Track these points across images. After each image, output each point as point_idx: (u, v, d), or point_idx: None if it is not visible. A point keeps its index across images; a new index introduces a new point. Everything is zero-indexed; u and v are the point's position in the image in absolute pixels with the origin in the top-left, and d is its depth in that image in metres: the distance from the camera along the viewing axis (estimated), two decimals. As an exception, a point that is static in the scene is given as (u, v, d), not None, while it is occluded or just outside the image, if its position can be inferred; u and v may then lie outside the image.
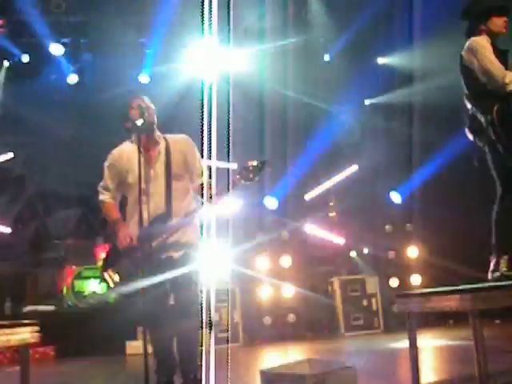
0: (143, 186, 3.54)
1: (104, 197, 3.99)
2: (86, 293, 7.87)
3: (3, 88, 9.54)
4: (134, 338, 7.23)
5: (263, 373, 3.24)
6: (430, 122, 8.50)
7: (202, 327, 3.77)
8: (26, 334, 3.27)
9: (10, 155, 9.30)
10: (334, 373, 3.01)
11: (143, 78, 9.57)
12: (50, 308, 7.69)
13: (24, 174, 9.48)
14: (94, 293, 7.90)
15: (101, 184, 4.01)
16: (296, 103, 8.83)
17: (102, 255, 8.16)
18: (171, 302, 3.86)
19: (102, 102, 8.99)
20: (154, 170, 3.82)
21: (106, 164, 3.99)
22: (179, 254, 3.78)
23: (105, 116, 8.97)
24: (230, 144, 3.00)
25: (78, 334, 7.29)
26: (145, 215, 3.69)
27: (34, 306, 7.81)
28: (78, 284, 7.88)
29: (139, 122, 3.54)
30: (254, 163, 3.70)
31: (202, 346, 3.79)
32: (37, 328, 3.43)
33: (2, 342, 2.86)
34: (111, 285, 3.80)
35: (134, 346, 7.12)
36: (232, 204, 8.34)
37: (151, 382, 3.02)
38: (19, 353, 6.87)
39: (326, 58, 9.65)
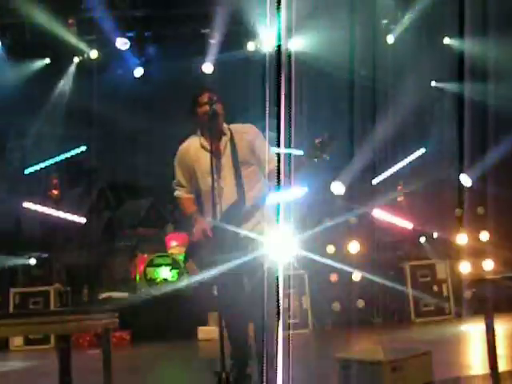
0: (213, 177, 3.57)
1: (179, 193, 4.06)
2: (158, 280, 8.08)
3: (74, 83, 9.86)
4: (205, 323, 7.37)
5: (338, 359, 3.23)
6: (502, 101, 8.17)
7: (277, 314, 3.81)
8: (107, 320, 3.39)
9: (83, 148, 9.61)
10: (411, 359, 2.97)
11: (207, 68, 9.64)
12: (124, 295, 7.95)
13: (96, 167, 9.77)
14: (166, 280, 8.11)
15: (174, 181, 4.08)
16: (362, 86, 8.69)
17: (173, 243, 8.48)
18: (247, 288, 3.89)
19: (168, 94, 9.16)
20: (222, 162, 3.85)
21: (176, 162, 4.06)
22: (254, 240, 3.80)
23: (171, 107, 9.15)
24: (292, 129, 2.95)
25: (151, 319, 7.53)
26: (218, 206, 3.73)
27: (109, 292, 8.10)
28: (150, 271, 8.09)
29: (208, 116, 3.55)
30: (321, 139, 3.64)
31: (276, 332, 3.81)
32: (116, 314, 3.57)
33: (86, 327, 2.98)
34: (193, 275, 3.85)
35: (206, 332, 7.28)
36: (299, 190, 8.33)
37: (227, 367, 3.06)
38: (98, 337, 7.15)
39: (390, 39, 9.43)
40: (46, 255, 8.53)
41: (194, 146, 3.96)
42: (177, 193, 4.07)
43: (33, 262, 8.35)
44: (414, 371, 2.98)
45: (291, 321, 7.23)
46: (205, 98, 3.70)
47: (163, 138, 8.59)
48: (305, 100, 8.35)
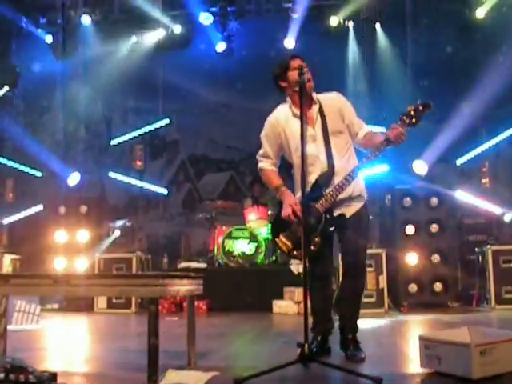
0: (304, 148, 3.51)
1: (263, 164, 3.97)
2: (236, 252, 8.18)
3: (158, 58, 10.04)
4: (281, 297, 7.40)
5: (423, 338, 3.14)
6: None
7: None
8: (193, 286, 3.45)
9: (166, 121, 9.80)
10: (501, 344, 2.83)
11: (289, 43, 9.56)
12: (202, 265, 8.11)
13: (178, 140, 9.95)
14: (243, 253, 8.20)
15: (260, 152, 4.00)
16: (449, 63, 8.35)
17: (252, 217, 8.54)
18: (334, 263, 3.86)
19: (250, 69, 9.15)
20: (312, 131, 3.77)
21: (263, 132, 3.97)
22: (351, 211, 3.74)
23: (253, 82, 9.15)
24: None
25: (228, 291, 7.67)
26: (309, 177, 3.69)
27: (187, 262, 8.29)
28: (228, 244, 8.21)
29: (299, 82, 3.47)
30: (414, 106, 3.49)
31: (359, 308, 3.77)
32: (201, 282, 3.62)
33: (173, 292, 3.03)
34: (285, 250, 3.75)
35: (281, 306, 7.31)
36: (378, 166, 8.16)
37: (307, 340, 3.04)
38: (176, 304, 7.30)
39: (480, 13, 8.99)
40: (129, 223, 8.78)
41: (284, 115, 3.88)
42: (261, 165, 3.98)
43: (117, 229, 8.62)
44: (504, 356, 2.85)
45: (367, 300, 7.14)
46: (296, 64, 3.60)
47: (244, 112, 8.62)
48: (388, 78, 8.14)
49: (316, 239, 3.61)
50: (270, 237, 8.34)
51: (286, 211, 3.71)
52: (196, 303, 7.40)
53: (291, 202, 3.71)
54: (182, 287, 3.19)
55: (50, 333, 5.75)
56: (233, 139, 9.42)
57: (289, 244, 3.72)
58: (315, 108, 3.80)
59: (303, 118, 3.37)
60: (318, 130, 3.75)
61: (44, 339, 5.29)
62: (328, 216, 3.64)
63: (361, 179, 3.82)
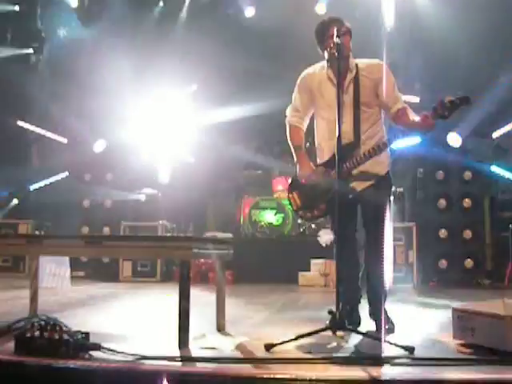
0: (332, 113, 3.51)
1: (291, 119, 3.96)
2: (262, 223, 8.24)
3: (186, 24, 9.99)
4: (307, 269, 7.47)
5: (457, 310, 3.15)
6: None
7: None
8: (223, 251, 3.51)
9: (194, 88, 9.78)
10: (538, 316, 2.83)
11: (320, 9, 9.43)
12: (228, 235, 8.19)
13: (205, 106, 9.92)
14: (270, 223, 8.27)
15: (290, 106, 3.99)
16: (487, 36, 8.18)
17: (279, 187, 8.57)
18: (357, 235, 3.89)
19: (279, 34, 9.06)
20: (343, 98, 3.74)
21: (297, 84, 3.96)
22: (365, 185, 3.75)
23: (282, 48, 9.08)
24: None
25: (254, 261, 7.75)
26: (332, 144, 3.69)
27: (213, 232, 8.38)
28: (255, 214, 8.28)
29: (336, 47, 3.44)
30: (452, 98, 3.44)
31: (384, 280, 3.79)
32: (231, 248, 3.68)
33: (204, 256, 3.09)
34: (294, 207, 3.92)
35: (307, 278, 7.38)
36: (411, 138, 8.06)
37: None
38: (201, 274, 7.38)
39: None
40: (154, 192, 8.88)
41: (319, 75, 3.88)
42: (289, 119, 3.98)
43: (142, 197, 8.74)
44: (539, 329, 2.85)
45: (396, 274, 7.16)
46: (333, 28, 3.56)
47: (273, 78, 8.56)
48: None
49: (321, 206, 3.75)
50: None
51: (302, 171, 3.81)
52: (221, 273, 7.62)
53: (309, 167, 3.81)
54: (213, 251, 3.25)
55: (79, 295, 5.91)
56: (261, 107, 9.34)
57: (298, 202, 3.88)
58: (350, 76, 3.78)
59: (340, 87, 3.35)
60: (348, 99, 3.75)
61: (75, 301, 5.43)
62: (343, 185, 3.67)
63: (386, 153, 3.80)
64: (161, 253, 3.14)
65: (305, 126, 4.00)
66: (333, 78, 3.77)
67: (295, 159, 3.92)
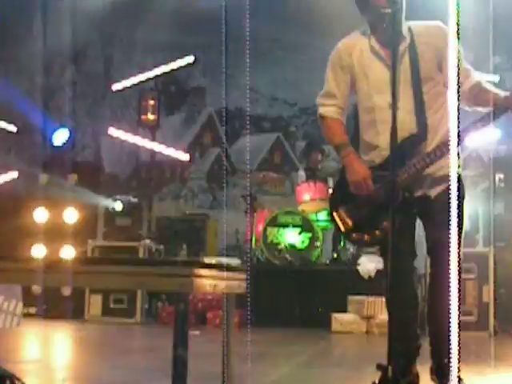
0: (381, 98, 3.51)
1: (325, 109, 3.92)
2: (282, 245, 8.25)
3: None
4: (343, 309, 7.49)
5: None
6: None
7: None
8: (234, 282, 3.54)
9: (190, 60, 9.82)
10: None
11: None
12: (235, 262, 8.20)
13: (203, 87, 10.02)
14: (293, 246, 8.28)
15: (321, 92, 3.97)
16: None
17: (306, 196, 8.59)
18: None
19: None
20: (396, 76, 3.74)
21: (331, 60, 3.93)
22: (437, 191, 3.77)
23: (312, 10, 9.16)
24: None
25: (270, 298, 7.77)
26: (386, 138, 3.70)
27: (213, 257, 8.40)
28: (272, 233, 8.29)
29: (385, 7, 3.45)
30: None
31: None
32: (244, 277, 3.70)
33: (208, 287, 3.11)
34: (342, 229, 3.85)
35: (343, 321, 7.37)
36: (485, 133, 8.07)
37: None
38: (197, 315, 7.39)
39: None
40: (135, 200, 8.92)
41: (360, 47, 3.85)
42: (321, 109, 3.93)
43: (118, 207, 8.77)
44: None
45: (464, 318, 7.15)
46: None
47: (298, 50, 8.63)
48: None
49: (384, 223, 3.63)
50: (328, 223, 8.41)
51: (355, 178, 3.75)
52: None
53: (361, 169, 3.76)
54: (221, 282, 3.27)
55: (33, 340, 5.94)
56: (281, 88, 9.45)
57: (348, 222, 3.80)
58: (403, 44, 3.77)
59: (395, 58, 3.36)
60: (403, 75, 3.70)
61: (27, 347, 5.46)
62: (407, 194, 3.67)
63: (464, 147, 3.82)
64: (146, 283, 3.15)
65: (344, 117, 3.96)
66: (379, 50, 3.77)
67: (341, 161, 3.88)
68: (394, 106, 3.23)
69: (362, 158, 3.87)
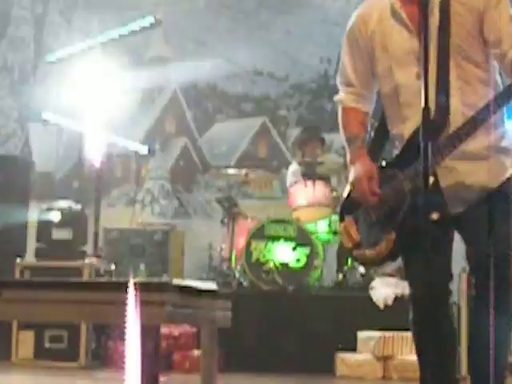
0: (404, 73, 3.53)
1: (344, 97, 4.08)
2: (271, 264, 8.22)
3: None
4: (352, 348, 7.50)
5: None
6: None
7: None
8: (218, 312, 3.55)
9: (147, 22, 9.83)
10: None
11: None
12: (209, 286, 8.18)
13: (166, 56, 10.01)
14: (285, 266, 8.26)
15: (338, 75, 4.10)
16: None
17: (301, 200, 8.59)
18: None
19: None
20: (418, 45, 3.73)
21: (347, 37, 4.05)
22: (474, 203, 3.78)
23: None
24: None
25: (255, 333, 7.78)
26: (404, 126, 3.74)
27: (180, 280, 8.38)
28: (258, 248, 8.27)
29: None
30: None
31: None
32: (230, 305, 3.73)
33: (184, 316, 3.11)
34: (348, 245, 3.93)
35: (351, 363, 7.37)
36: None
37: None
38: (165, 358, 7.42)
39: None
40: (77, 207, 8.89)
41: (379, 12, 3.92)
42: (339, 97, 4.09)
43: (55, 217, 8.74)
44: None
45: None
46: None
47: (288, 11, 8.67)
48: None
49: (391, 235, 3.73)
50: (331, 236, 8.43)
51: (359, 186, 3.84)
52: (195, 353, 7.57)
53: (366, 170, 3.85)
54: (200, 310, 3.28)
55: None
56: (267, 59, 9.50)
57: (354, 236, 3.91)
58: (430, 6, 3.79)
59: (425, 19, 3.39)
60: (432, 45, 3.71)
61: None
62: (432, 206, 3.69)
63: (507, 142, 3.85)
64: (98, 313, 3.16)
65: (367, 105, 4.08)
66: (402, 14, 3.83)
67: (348, 157, 4.02)
68: (426, 81, 3.27)
69: None
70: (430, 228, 3.37)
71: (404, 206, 3.68)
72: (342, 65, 4.06)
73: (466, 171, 3.74)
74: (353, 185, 3.89)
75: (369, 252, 3.85)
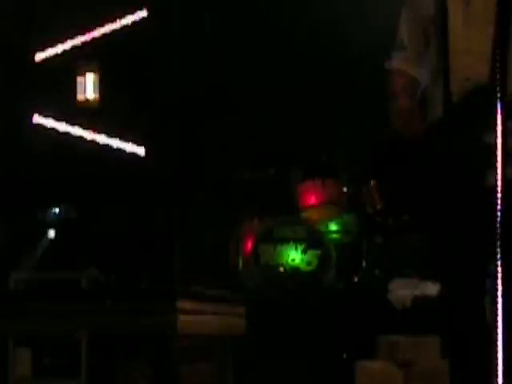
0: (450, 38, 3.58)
1: (394, 61, 4.18)
2: (282, 267, 8.18)
3: None
4: (370, 354, 7.42)
5: None
6: None
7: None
8: (231, 319, 3.48)
9: (142, 14, 9.82)
10: None
11: None
12: (213, 293, 8.12)
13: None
14: (296, 268, 8.21)
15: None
16: None
17: (312, 199, 8.51)
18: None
19: None
20: (469, 7, 3.81)
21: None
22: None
23: None
24: None
25: (265, 340, 7.62)
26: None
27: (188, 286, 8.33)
28: (267, 251, 8.25)
29: None
30: None
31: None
32: (243, 311, 3.66)
33: (198, 326, 3.03)
34: (370, 208, 3.88)
35: (372, 371, 7.29)
36: None
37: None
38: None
39: None
40: (73, 213, 8.85)
41: None
42: (389, 63, 4.20)
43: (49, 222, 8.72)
44: None
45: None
46: None
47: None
48: None
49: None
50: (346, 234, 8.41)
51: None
52: (200, 366, 7.51)
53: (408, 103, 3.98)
54: (213, 319, 3.21)
55: None
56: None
57: (376, 198, 3.83)
58: None
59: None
60: (479, 7, 3.79)
61: None
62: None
63: None
64: (105, 324, 3.10)
65: (417, 70, 4.10)
66: None
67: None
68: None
69: None
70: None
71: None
72: (399, 28, 4.21)
73: None
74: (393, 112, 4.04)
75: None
